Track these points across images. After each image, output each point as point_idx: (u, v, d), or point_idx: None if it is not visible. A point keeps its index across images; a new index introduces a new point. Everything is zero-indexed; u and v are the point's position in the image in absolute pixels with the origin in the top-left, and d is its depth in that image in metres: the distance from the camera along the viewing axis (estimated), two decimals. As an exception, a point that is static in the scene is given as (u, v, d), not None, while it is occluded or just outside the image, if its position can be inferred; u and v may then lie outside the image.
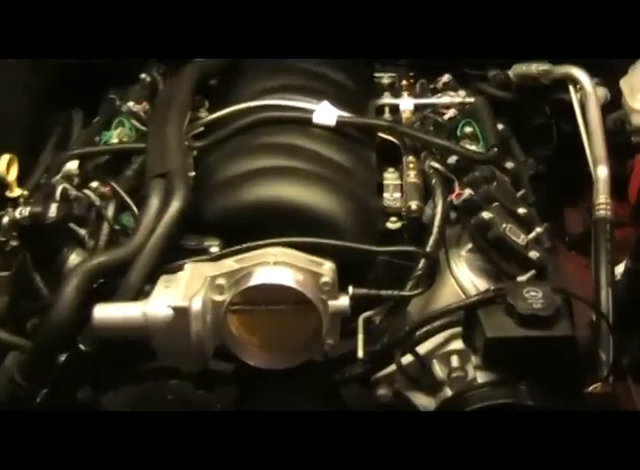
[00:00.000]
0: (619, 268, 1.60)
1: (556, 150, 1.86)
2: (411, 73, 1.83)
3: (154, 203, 1.42)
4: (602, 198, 1.59)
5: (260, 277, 1.33)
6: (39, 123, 1.79)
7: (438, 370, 1.41)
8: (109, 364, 1.43)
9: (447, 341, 1.41)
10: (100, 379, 1.47)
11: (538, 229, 1.46)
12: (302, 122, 1.56)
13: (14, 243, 1.53)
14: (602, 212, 1.57)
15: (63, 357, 1.39)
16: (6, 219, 1.51)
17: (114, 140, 1.66)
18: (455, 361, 1.40)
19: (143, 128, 1.68)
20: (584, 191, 1.80)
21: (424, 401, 1.43)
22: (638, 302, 1.59)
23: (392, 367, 1.42)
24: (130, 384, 1.49)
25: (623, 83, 1.72)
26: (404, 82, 1.80)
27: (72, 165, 1.57)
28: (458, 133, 1.64)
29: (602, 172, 1.62)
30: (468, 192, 1.46)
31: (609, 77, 1.75)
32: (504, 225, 1.42)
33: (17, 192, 1.50)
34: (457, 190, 1.49)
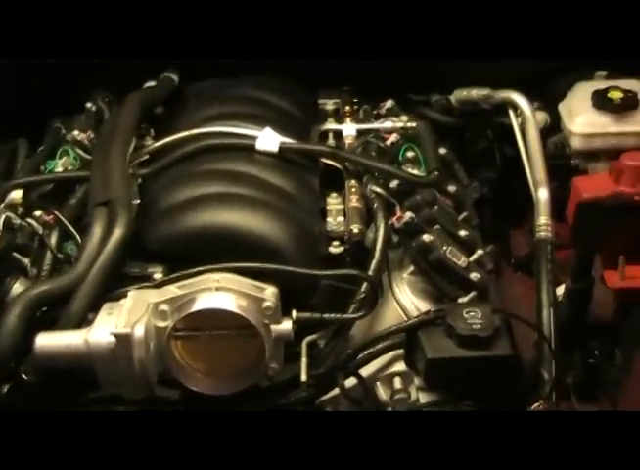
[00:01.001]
0: (561, 289, 1.62)
1: (499, 173, 1.88)
2: (355, 100, 1.84)
3: (96, 231, 1.43)
4: (543, 219, 1.61)
5: (203, 303, 1.34)
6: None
7: (382, 392, 1.44)
8: (52, 394, 1.43)
9: (390, 363, 1.44)
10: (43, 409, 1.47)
11: (480, 251, 1.49)
12: (245, 149, 1.58)
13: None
14: (543, 234, 1.59)
15: (5, 388, 1.40)
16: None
17: (59, 169, 1.67)
18: (398, 383, 1.42)
19: (88, 157, 1.68)
20: (528, 213, 1.81)
21: (368, 424, 1.44)
22: (578, 321, 1.63)
23: (337, 390, 1.43)
24: (74, 412, 1.49)
25: (562, 107, 1.76)
26: (348, 108, 1.81)
27: (16, 195, 1.57)
28: (400, 158, 1.66)
29: (542, 195, 1.65)
30: (409, 215, 1.48)
31: (548, 101, 1.78)
32: (445, 247, 1.45)
33: (-43, 221, 1.50)
34: (398, 213, 1.51)
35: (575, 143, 1.70)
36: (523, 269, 1.88)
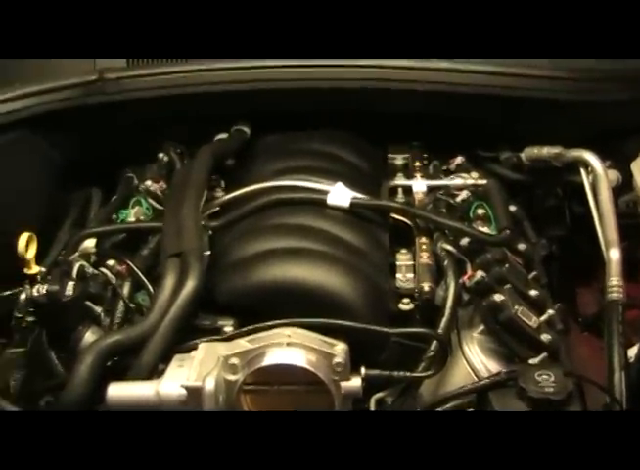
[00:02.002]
0: (633, 350, 1.59)
1: (568, 231, 1.87)
2: (424, 155, 1.85)
3: (169, 282, 1.45)
4: (614, 280, 1.58)
5: (274, 358, 1.34)
6: (57, 201, 1.82)
7: (451, 453, 1.41)
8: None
9: (459, 423, 1.42)
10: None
11: (550, 311, 1.48)
12: (316, 203, 1.59)
13: (30, 319, 1.55)
14: (614, 295, 1.56)
15: (75, 435, 1.41)
16: (23, 296, 1.53)
17: (132, 219, 1.70)
18: (467, 443, 1.40)
19: (160, 207, 1.71)
20: (597, 272, 1.77)
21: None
22: None
23: (404, 449, 1.43)
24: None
25: (634, 166, 1.73)
26: (417, 163, 1.82)
27: (90, 243, 1.60)
28: (471, 215, 1.66)
29: (614, 255, 1.62)
30: (480, 274, 1.48)
31: (620, 161, 1.76)
32: (516, 308, 1.44)
33: (35, 269, 1.53)
34: (469, 271, 1.51)
35: (650, 202, 1.68)
36: (591, 329, 1.85)
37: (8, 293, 1.59)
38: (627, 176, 1.74)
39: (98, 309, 1.52)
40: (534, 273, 1.60)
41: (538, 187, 1.87)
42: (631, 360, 1.55)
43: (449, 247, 1.56)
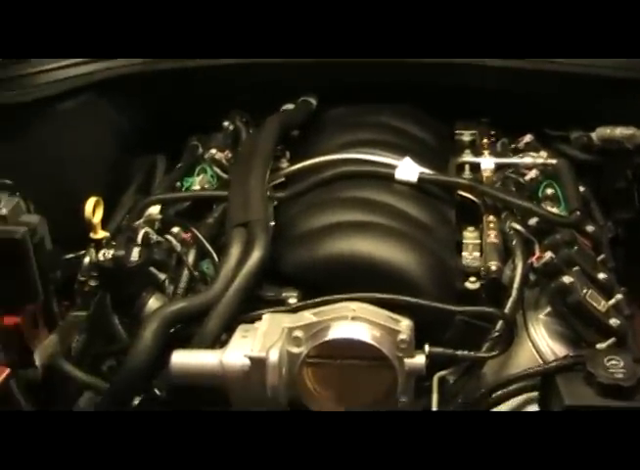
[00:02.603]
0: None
1: (637, 214, 1.83)
2: (492, 132, 1.82)
3: (234, 252, 1.44)
4: (686, 266, 1.56)
5: (338, 331, 1.33)
6: (122, 167, 1.82)
7: (513, 435, 1.39)
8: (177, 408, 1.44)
9: (522, 405, 1.40)
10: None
11: (618, 296, 1.45)
12: (384, 178, 1.57)
13: (93, 283, 1.55)
14: (685, 281, 1.54)
15: (137, 400, 1.41)
16: (87, 260, 1.54)
17: (196, 186, 1.68)
18: (530, 427, 1.38)
19: (225, 176, 1.70)
20: None
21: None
22: None
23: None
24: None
25: None
26: (485, 140, 1.79)
27: (154, 210, 1.59)
28: (539, 194, 1.63)
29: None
30: (549, 255, 1.45)
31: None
32: (584, 291, 1.41)
33: (101, 234, 1.52)
34: (537, 252, 1.48)
35: None
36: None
37: (72, 256, 1.59)
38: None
39: (162, 276, 1.51)
40: (602, 256, 1.57)
41: (608, 169, 1.83)
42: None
43: (518, 226, 1.53)
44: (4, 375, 1.37)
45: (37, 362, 1.50)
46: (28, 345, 1.51)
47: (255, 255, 1.41)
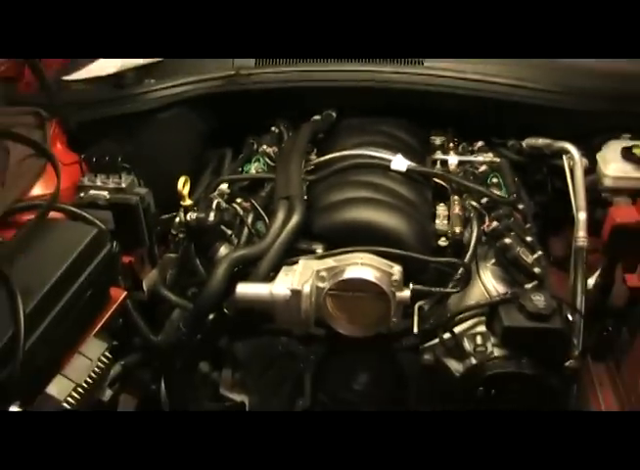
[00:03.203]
0: (591, 280, 1.54)
1: (549, 198, 1.77)
2: (455, 139, 1.75)
3: (280, 216, 1.39)
4: (581, 233, 1.51)
5: (351, 273, 1.29)
6: (201, 157, 1.76)
7: (467, 345, 1.35)
8: (242, 323, 1.40)
9: (474, 325, 1.36)
10: (235, 333, 1.44)
11: (539, 252, 1.40)
12: (383, 168, 1.51)
13: (181, 235, 1.52)
14: (580, 244, 1.49)
15: (211, 316, 1.37)
16: (177, 220, 1.50)
17: (253, 171, 1.62)
18: (479, 340, 1.34)
19: (272, 164, 1.63)
20: (565, 227, 1.71)
21: (455, 366, 1.37)
22: (600, 306, 1.57)
23: (435, 341, 1.37)
24: (254, 337, 1.46)
25: (599, 156, 1.65)
26: (451, 144, 1.72)
27: (224, 186, 1.54)
28: (488, 182, 1.57)
29: (582, 216, 1.55)
30: (495, 223, 1.41)
31: (588, 152, 1.67)
32: (518, 248, 1.37)
33: (188, 202, 1.47)
34: (487, 222, 1.43)
35: (607, 182, 1.59)
36: (558, 266, 1.78)
37: (167, 216, 1.55)
38: (592, 163, 1.65)
39: (229, 232, 1.46)
40: (528, 225, 1.52)
41: (531, 166, 1.77)
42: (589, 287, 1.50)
43: (475, 203, 1.48)
44: (124, 295, 1.34)
45: (144, 288, 1.47)
46: (138, 276, 1.48)
47: (295, 218, 1.37)
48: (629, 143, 1.62)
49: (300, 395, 1.52)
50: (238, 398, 1.52)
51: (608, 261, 1.51)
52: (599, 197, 1.64)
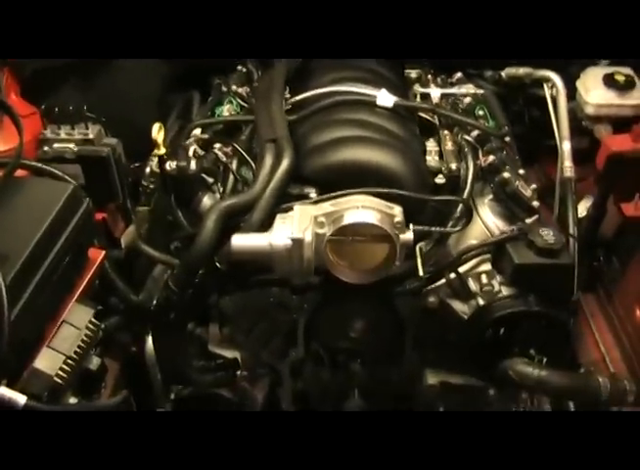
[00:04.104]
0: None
1: (525, 128, 1.72)
2: (432, 70, 1.66)
3: (268, 161, 1.29)
4: (567, 163, 1.47)
5: (352, 217, 1.21)
6: (165, 101, 1.62)
7: (472, 285, 1.29)
8: (232, 276, 1.31)
9: (478, 264, 1.30)
10: (225, 287, 1.35)
11: (534, 185, 1.35)
12: (368, 104, 1.41)
13: (152, 186, 1.41)
14: (568, 174, 1.46)
15: (203, 269, 1.28)
16: (148, 170, 1.39)
17: (226, 113, 1.50)
18: (484, 279, 1.29)
19: (246, 105, 1.51)
20: (540, 157, 1.73)
21: (460, 307, 1.32)
22: (591, 236, 1.52)
23: (439, 283, 1.31)
24: (245, 290, 1.36)
25: (579, 83, 1.60)
26: (429, 77, 1.63)
27: (197, 132, 1.43)
28: (474, 115, 1.50)
29: (566, 146, 1.51)
30: (492, 157, 1.34)
31: (567, 79, 1.61)
32: (517, 182, 1.31)
33: (162, 150, 1.34)
34: (481, 156, 1.36)
35: (589, 110, 1.56)
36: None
37: (135, 166, 1.43)
38: (571, 90, 1.60)
39: (210, 180, 1.36)
40: (517, 157, 1.46)
41: (509, 97, 1.70)
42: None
43: (468, 137, 1.41)
44: (102, 255, 1.23)
45: (122, 245, 1.36)
46: (113, 233, 1.37)
47: (285, 162, 1.27)
48: (609, 70, 1.58)
49: (293, 346, 1.45)
50: (229, 354, 1.44)
51: (601, 191, 1.48)
52: (579, 125, 1.61)
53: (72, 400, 1.11)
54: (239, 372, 1.43)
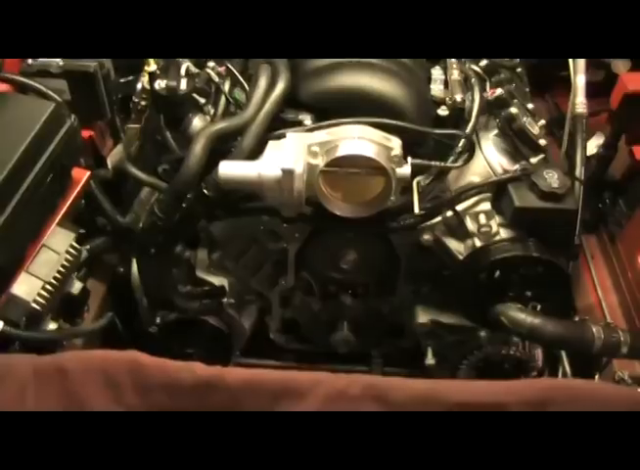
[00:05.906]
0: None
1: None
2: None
3: (262, 83, 1.22)
4: (579, 99, 1.38)
5: (347, 148, 1.14)
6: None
7: (470, 224, 1.24)
8: (220, 203, 1.26)
9: (477, 203, 1.24)
10: (212, 213, 1.30)
11: (542, 121, 1.27)
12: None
13: (143, 103, 1.33)
14: (580, 110, 1.37)
15: (190, 195, 1.22)
16: (140, 86, 1.31)
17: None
18: (482, 219, 1.23)
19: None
20: (553, 86, 1.69)
21: (456, 246, 1.27)
22: (598, 177, 1.48)
23: (435, 220, 1.25)
24: (234, 217, 1.32)
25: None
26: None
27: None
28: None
29: (580, 80, 1.41)
30: (500, 90, 1.25)
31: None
32: (524, 119, 1.23)
33: (153, 66, 1.27)
34: (489, 88, 1.28)
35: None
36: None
37: (126, 80, 1.34)
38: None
39: (202, 101, 1.28)
40: (527, 90, 1.38)
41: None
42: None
43: (475, 67, 1.32)
44: (87, 175, 1.19)
45: (109, 165, 1.30)
46: (100, 152, 1.31)
47: (280, 85, 1.20)
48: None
49: (283, 274, 1.42)
50: (216, 280, 1.41)
51: (613, 131, 1.40)
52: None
53: (52, 326, 1.09)
54: (225, 300, 1.40)
